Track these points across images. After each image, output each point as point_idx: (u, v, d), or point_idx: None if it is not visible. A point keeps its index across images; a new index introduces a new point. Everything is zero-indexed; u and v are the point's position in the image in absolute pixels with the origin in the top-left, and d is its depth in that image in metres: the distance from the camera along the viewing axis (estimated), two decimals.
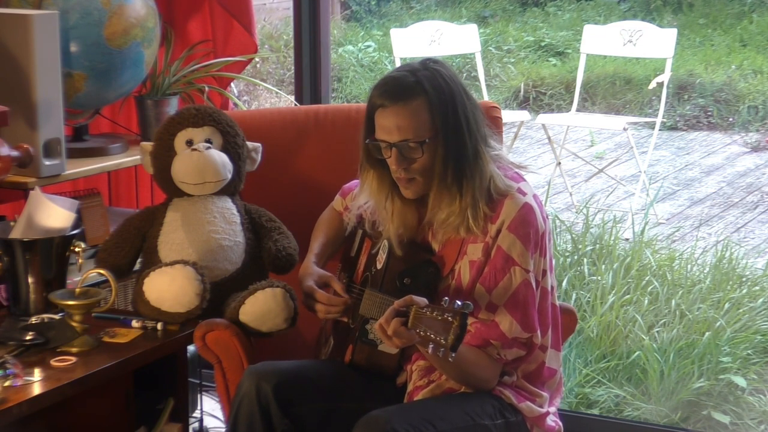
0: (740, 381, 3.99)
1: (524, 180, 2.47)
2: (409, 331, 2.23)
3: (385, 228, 2.50)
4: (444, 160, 2.37)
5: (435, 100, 2.36)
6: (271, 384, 2.44)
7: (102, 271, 2.73)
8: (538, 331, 2.41)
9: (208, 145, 2.84)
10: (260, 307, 2.65)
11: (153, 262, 2.80)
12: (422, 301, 2.23)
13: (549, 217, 2.50)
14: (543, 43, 9.72)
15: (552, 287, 2.47)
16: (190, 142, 2.84)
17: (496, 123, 2.90)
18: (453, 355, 2.17)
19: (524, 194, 2.41)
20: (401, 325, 2.23)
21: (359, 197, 2.57)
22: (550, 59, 9.50)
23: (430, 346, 2.18)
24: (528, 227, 2.38)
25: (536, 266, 2.40)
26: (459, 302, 2.16)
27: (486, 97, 6.77)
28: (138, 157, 3.09)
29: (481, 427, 2.35)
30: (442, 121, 2.36)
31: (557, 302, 2.52)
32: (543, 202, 2.48)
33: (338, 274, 2.78)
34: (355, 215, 2.65)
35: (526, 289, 2.38)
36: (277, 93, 7.51)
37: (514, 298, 2.37)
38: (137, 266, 2.91)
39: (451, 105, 2.37)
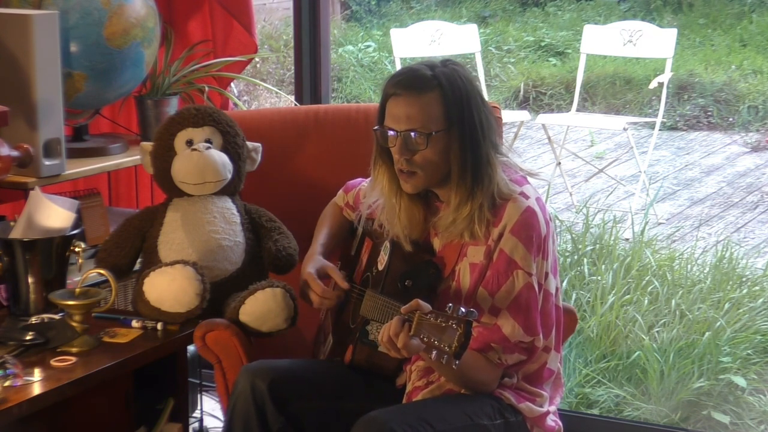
0: (740, 381, 3.99)
1: (528, 182, 2.46)
2: (417, 343, 2.22)
3: (392, 225, 2.50)
4: (462, 160, 2.36)
5: (449, 97, 2.36)
6: (265, 382, 2.45)
7: (102, 271, 2.73)
8: (540, 335, 2.40)
9: (208, 145, 2.84)
10: (260, 307, 2.65)
11: (153, 262, 2.80)
12: (426, 306, 2.22)
13: (552, 219, 2.49)
14: (543, 43, 9.72)
15: (557, 289, 2.47)
16: (190, 142, 2.84)
17: (497, 123, 2.90)
18: (457, 362, 2.16)
19: (527, 197, 2.40)
20: (407, 334, 2.22)
21: (371, 194, 2.56)
22: (550, 59, 9.50)
23: (434, 352, 2.18)
24: (530, 231, 2.38)
25: (539, 269, 2.40)
26: (463, 309, 2.15)
27: (486, 98, 6.76)
28: (138, 157, 3.09)
29: (480, 427, 2.35)
30: (456, 119, 2.35)
31: (560, 304, 2.52)
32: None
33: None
34: (365, 213, 2.63)
35: (529, 293, 2.38)
36: (277, 93, 7.51)
37: (516, 301, 2.37)
38: (137, 266, 2.91)
39: (466, 105, 2.37)
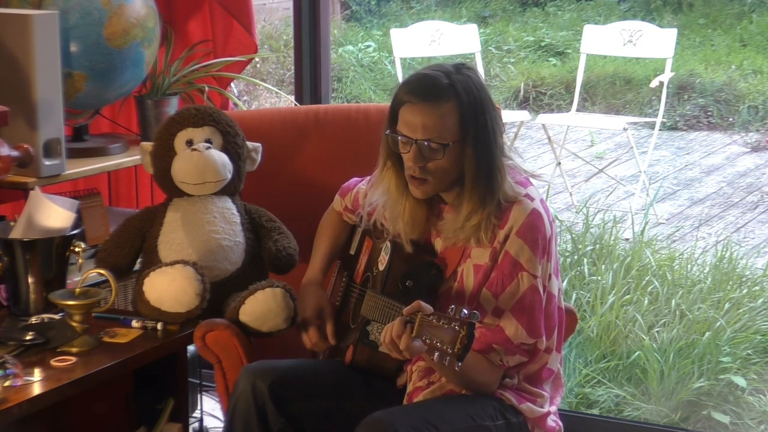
0: (740, 381, 3.99)
1: (531, 184, 2.45)
2: (419, 345, 2.21)
3: (395, 225, 2.49)
4: (476, 169, 2.35)
5: (465, 107, 2.34)
6: (266, 382, 2.45)
7: (102, 271, 2.73)
8: (543, 337, 2.40)
9: (208, 145, 2.84)
10: (260, 307, 2.65)
11: (153, 262, 2.80)
12: (428, 308, 2.22)
13: (554, 220, 2.49)
14: (543, 43, 9.72)
15: (559, 290, 2.47)
16: (190, 142, 2.84)
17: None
18: (459, 364, 2.16)
19: (532, 200, 2.40)
20: (409, 336, 2.22)
21: (373, 192, 2.55)
22: (550, 59, 9.50)
23: (436, 354, 2.17)
24: (536, 233, 2.37)
25: (543, 271, 2.39)
26: (466, 311, 2.15)
27: None
28: (138, 157, 3.09)
29: (483, 428, 2.35)
30: (472, 128, 2.34)
31: (562, 305, 2.51)
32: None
33: (337, 272, 2.78)
34: (366, 212, 2.63)
35: (533, 295, 2.38)
36: (277, 93, 7.51)
37: (520, 303, 2.37)
38: (137, 266, 2.91)
39: (481, 114, 2.35)
